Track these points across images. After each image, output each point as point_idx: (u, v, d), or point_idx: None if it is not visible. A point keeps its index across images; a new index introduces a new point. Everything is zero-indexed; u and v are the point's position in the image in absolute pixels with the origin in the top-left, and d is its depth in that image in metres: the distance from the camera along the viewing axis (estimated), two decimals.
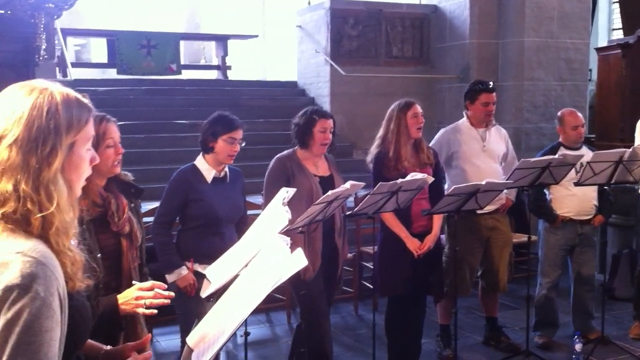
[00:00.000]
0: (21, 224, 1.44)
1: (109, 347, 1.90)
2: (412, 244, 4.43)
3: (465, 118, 5.16)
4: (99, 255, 2.56)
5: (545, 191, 5.24)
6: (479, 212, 4.69)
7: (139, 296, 2.08)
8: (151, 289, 2.12)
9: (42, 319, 1.38)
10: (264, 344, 5.48)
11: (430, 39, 9.54)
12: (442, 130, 5.22)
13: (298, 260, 1.74)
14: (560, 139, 5.29)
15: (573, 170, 4.89)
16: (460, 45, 8.98)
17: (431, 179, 4.20)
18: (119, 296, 2.14)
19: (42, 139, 1.45)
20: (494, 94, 5.10)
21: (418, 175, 4.11)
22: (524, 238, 5.71)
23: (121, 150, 2.81)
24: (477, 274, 5.23)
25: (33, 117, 1.46)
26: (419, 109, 4.53)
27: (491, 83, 5.18)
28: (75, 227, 1.55)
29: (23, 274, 1.37)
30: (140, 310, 2.06)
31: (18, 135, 1.44)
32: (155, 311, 2.08)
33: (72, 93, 1.56)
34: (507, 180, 4.58)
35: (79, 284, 1.53)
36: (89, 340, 1.88)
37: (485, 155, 5.06)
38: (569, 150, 5.12)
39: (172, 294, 2.14)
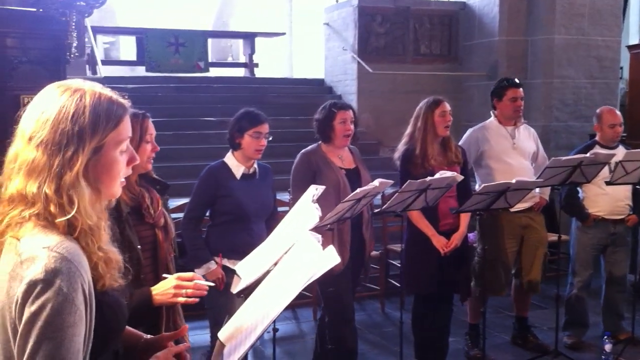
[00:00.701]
0: (50, 223, 1.46)
1: (148, 336, 1.92)
2: (439, 242, 4.41)
3: (493, 117, 5.11)
4: (138, 247, 2.59)
5: (578, 189, 5.18)
6: (512, 210, 4.64)
7: (179, 285, 2.07)
8: (191, 279, 2.12)
9: (64, 314, 1.39)
10: (291, 340, 5.49)
11: (459, 36, 9.49)
12: (470, 130, 5.18)
13: (330, 258, 1.74)
14: (597, 137, 5.22)
15: (607, 169, 4.82)
16: (488, 42, 8.92)
17: (460, 177, 4.17)
18: (153, 288, 2.15)
19: (65, 143, 1.46)
20: (521, 89, 5.05)
21: (447, 173, 4.08)
22: (553, 237, 5.63)
23: (157, 148, 2.84)
24: (511, 273, 5.17)
25: (59, 120, 1.46)
26: (447, 106, 4.50)
27: (517, 80, 5.13)
28: (107, 228, 1.55)
29: (47, 269, 1.39)
30: (181, 300, 2.06)
31: (44, 137, 1.46)
32: (197, 300, 2.08)
33: (106, 93, 1.55)
34: (537, 178, 4.53)
35: (111, 283, 1.54)
36: (129, 328, 1.90)
37: (515, 152, 5.00)
38: (605, 148, 5.06)
39: (212, 283, 2.15)
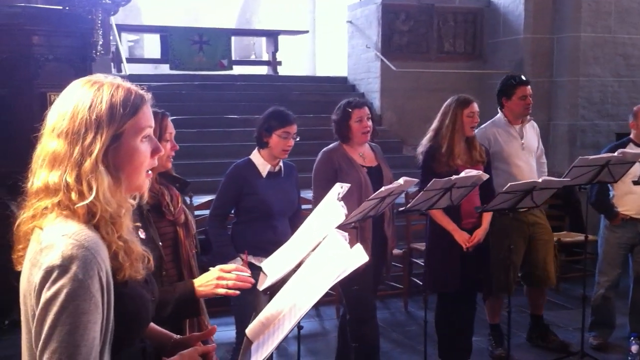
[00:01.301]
0: (72, 211, 1.49)
1: (177, 337, 1.93)
2: (461, 237, 4.38)
3: (501, 115, 5.07)
4: (160, 243, 2.61)
5: (610, 187, 5.12)
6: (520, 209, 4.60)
7: (221, 276, 2.07)
8: (233, 271, 2.11)
9: (78, 300, 1.41)
10: (314, 338, 5.49)
11: (483, 34, 9.42)
12: (481, 128, 5.10)
13: (359, 256, 1.74)
14: (631, 135, 5.16)
15: (639, 168, 4.76)
16: (513, 40, 8.84)
17: (486, 176, 4.14)
18: (195, 280, 2.14)
19: (83, 131, 1.50)
20: (529, 86, 5.02)
21: (473, 172, 4.06)
22: (580, 237, 5.58)
23: (176, 147, 2.86)
24: (518, 273, 5.13)
25: (78, 110, 1.51)
26: (475, 107, 4.47)
27: (523, 77, 5.11)
28: (128, 218, 1.57)
29: (64, 255, 1.41)
30: (222, 291, 2.05)
31: (64, 127, 1.51)
32: (238, 292, 2.07)
33: (124, 84, 1.58)
34: (564, 177, 4.49)
35: (132, 273, 1.55)
36: (159, 329, 1.91)
37: (524, 153, 5.01)
38: (639, 147, 5.00)
39: (253, 280, 2.13)
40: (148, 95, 1.62)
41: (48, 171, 1.50)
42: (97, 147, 1.49)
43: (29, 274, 1.47)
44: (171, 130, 2.85)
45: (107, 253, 1.50)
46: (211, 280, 2.07)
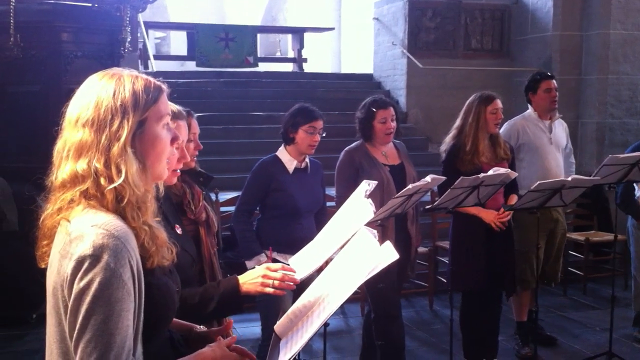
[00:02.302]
0: (99, 199, 1.51)
1: (200, 328, 1.94)
2: (489, 216, 4.34)
3: (531, 109, 5.12)
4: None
5: (635, 186, 5.06)
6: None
7: (267, 275, 2.05)
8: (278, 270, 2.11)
9: (111, 289, 1.42)
10: (339, 335, 5.48)
11: (511, 31, 9.34)
12: (510, 121, 5.11)
13: (389, 254, 1.72)
14: None
15: None
16: (542, 37, 8.75)
17: (514, 174, 4.10)
18: (240, 276, 2.13)
19: (110, 117, 1.52)
20: (554, 81, 5.06)
21: (501, 170, 4.02)
22: (607, 237, 5.51)
23: (200, 147, 2.86)
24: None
25: (102, 99, 1.54)
26: (499, 104, 4.43)
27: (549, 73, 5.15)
28: (153, 205, 1.59)
29: (94, 245, 1.43)
30: (269, 290, 2.04)
31: (89, 117, 1.53)
32: (284, 292, 2.07)
33: (142, 75, 1.62)
34: (594, 176, 4.43)
35: (159, 260, 1.58)
36: (179, 320, 1.91)
37: (552, 147, 5.05)
38: None
39: (298, 280, 2.12)
40: (164, 86, 1.66)
41: (74, 161, 1.52)
42: (125, 131, 1.52)
43: (59, 266, 1.47)
44: (195, 130, 2.85)
45: (136, 242, 1.52)
46: (256, 278, 2.05)
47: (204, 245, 2.84)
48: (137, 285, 1.49)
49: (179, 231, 2.44)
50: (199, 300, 1.99)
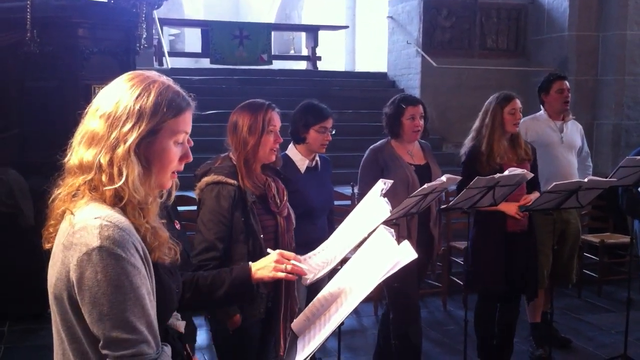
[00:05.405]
0: (101, 193, 1.53)
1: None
2: (510, 208, 4.28)
3: (542, 111, 5.11)
4: (261, 236, 2.65)
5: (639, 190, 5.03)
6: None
7: (280, 260, 2.03)
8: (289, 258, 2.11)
9: (128, 276, 1.45)
10: (352, 334, 5.47)
11: (527, 31, 9.29)
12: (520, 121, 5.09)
13: (407, 253, 1.71)
14: None
15: None
16: (558, 37, 8.69)
17: (530, 175, 4.06)
18: (254, 264, 2.11)
19: (125, 118, 1.54)
20: (567, 82, 5.05)
21: (517, 171, 3.99)
22: (623, 239, 5.47)
23: (280, 140, 2.87)
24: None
25: (125, 97, 1.56)
26: (518, 104, 4.38)
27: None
28: (156, 207, 1.61)
29: (102, 236, 1.44)
30: (281, 275, 2.03)
31: (108, 110, 1.56)
32: (296, 277, 2.06)
33: (175, 86, 1.63)
34: (611, 178, 4.39)
35: (160, 256, 1.60)
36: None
37: (563, 147, 5.02)
38: None
39: (306, 272, 2.11)
40: (193, 102, 1.66)
41: (85, 149, 1.55)
42: (133, 136, 1.53)
43: (63, 257, 1.49)
44: (275, 122, 2.87)
45: (138, 235, 1.54)
46: (269, 264, 2.03)
47: (284, 240, 2.87)
48: (148, 269, 1.53)
49: (177, 227, 2.45)
50: (210, 282, 1.98)
